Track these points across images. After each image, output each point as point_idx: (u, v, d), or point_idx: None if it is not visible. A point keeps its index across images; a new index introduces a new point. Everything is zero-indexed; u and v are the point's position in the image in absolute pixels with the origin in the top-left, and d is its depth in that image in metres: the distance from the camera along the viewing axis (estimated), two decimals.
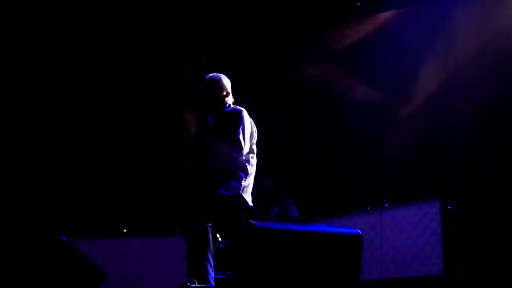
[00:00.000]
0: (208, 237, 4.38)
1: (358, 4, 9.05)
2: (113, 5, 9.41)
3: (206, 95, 4.68)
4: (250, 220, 3.65)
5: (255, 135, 4.71)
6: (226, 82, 4.74)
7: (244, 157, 4.55)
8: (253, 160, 4.68)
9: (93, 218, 9.43)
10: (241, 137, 4.47)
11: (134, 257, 7.92)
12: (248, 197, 4.60)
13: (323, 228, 4.47)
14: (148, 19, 9.76)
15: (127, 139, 10.28)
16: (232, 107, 4.69)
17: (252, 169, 4.64)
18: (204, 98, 4.69)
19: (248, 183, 4.60)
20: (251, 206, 4.63)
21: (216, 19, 9.76)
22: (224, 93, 4.70)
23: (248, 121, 4.61)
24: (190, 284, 4.20)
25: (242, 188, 4.51)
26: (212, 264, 4.36)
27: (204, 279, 4.25)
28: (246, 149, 4.54)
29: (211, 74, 4.77)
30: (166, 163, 10.28)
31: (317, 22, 9.63)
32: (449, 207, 6.31)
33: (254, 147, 4.73)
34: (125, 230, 8.75)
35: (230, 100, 4.74)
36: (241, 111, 4.61)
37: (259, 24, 9.76)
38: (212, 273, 4.33)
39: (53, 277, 4.97)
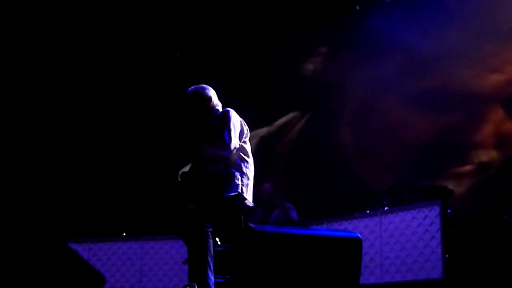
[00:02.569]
0: (209, 242, 4.36)
1: (358, 7, 9.08)
2: (114, 8, 9.42)
3: (194, 107, 4.66)
4: (250, 224, 3.64)
5: (247, 133, 4.67)
6: (210, 91, 4.72)
7: (235, 156, 4.52)
8: (249, 159, 4.64)
9: (92, 222, 9.43)
10: (226, 135, 4.43)
11: (133, 261, 7.91)
12: (249, 197, 4.56)
13: (323, 231, 4.47)
14: (148, 22, 9.77)
15: (126, 143, 10.29)
16: (221, 111, 4.68)
17: (248, 168, 4.59)
18: (192, 110, 4.66)
19: (247, 183, 4.55)
20: (251, 206, 4.60)
21: (216, 23, 9.78)
22: (211, 101, 4.68)
23: (236, 119, 4.58)
24: None
25: (240, 187, 4.48)
26: (212, 269, 4.35)
27: (204, 283, 4.24)
28: (233, 146, 4.47)
29: (193, 87, 4.75)
30: (165, 167, 10.28)
31: (317, 25, 9.64)
32: (449, 210, 6.31)
33: (248, 146, 4.69)
34: (124, 234, 8.74)
35: (218, 106, 4.73)
36: (227, 110, 4.59)
37: (258, 27, 9.78)
38: (212, 278, 4.32)
39: (53, 281, 4.97)
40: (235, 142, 4.49)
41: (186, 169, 4.77)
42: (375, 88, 9.07)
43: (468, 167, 8.28)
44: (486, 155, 8.27)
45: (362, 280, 4.81)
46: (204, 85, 4.77)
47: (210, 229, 4.39)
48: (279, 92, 10.05)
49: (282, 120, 10.13)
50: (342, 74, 9.48)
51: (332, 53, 9.87)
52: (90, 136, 10.19)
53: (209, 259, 4.30)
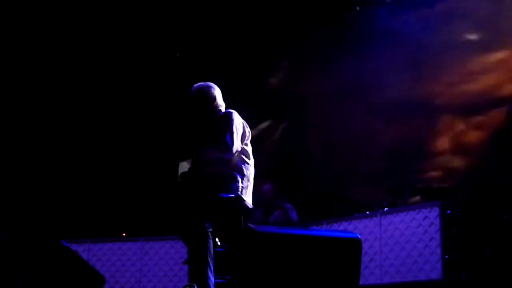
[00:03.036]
0: (209, 242, 4.36)
1: (358, 8, 9.08)
2: (113, 9, 9.42)
3: (197, 106, 4.65)
4: (250, 225, 3.65)
5: (248, 135, 4.67)
6: (215, 90, 4.71)
7: (236, 158, 4.53)
8: (250, 161, 4.64)
9: (92, 222, 9.43)
10: (228, 138, 4.43)
11: (133, 261, 7.91)
12: (248, 199, 4.57)
13: (323, 232, 4.48)
14: (148, 23, 9.77)
15: (126, 144, 10.28)
16: (223, 112, 4.67)
17: (249, 170, 4.60)
18: (195, 108, 4.65)
19: (247, 185, 4.56)
20: (251, 208, 4.60)
21: (215, 24, 9.79)
22: (215, 101, 4.66)
23: (239, 121, 4.57)
24: None
25: (240, 189, 4.49)
26: (212, 269, 4.35)
27: (204, 284, 4.24)
28: (235, 149, 4.47)
29: (199, 84, 4.74)
30: (165, 168, 10.27)
31: (317, 27, 9.66)
32: (448, 211, 6.31)
33: (249, 147, 4.70)
34: (124, 235, 8.75)
35: (221, 106, 4.72)
36: (230, 113, 4.57)
37: (258, 28, 9.79)
38: (212, 279, 4.31)
39: (53, 281, 4.97)
40: (237, 145, 4.48)
41: (186, 169, 4.76)
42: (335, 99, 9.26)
43: (434, 173, 8.49)
44: (450, 162, 8.52)
45: (362, 281, 4.80)
46: (210, 84, 4.73)
47: (210, 229, 4.38)
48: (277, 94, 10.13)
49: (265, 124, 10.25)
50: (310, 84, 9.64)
51: (295, 64, 10.06)
52: (90, 137, 10.20)
53: (209, 259, 4.30)
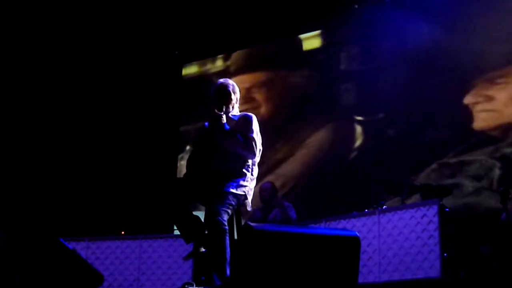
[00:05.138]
0: (226, 238, 4.42)
1: (356, 6, 9.09)
2: (112, 7, 9.42)
3: (216, 98, 4.76)
4: (248, 222, 3.66)
5: (261, 141, 4.82)
6: (236, 90, 4.85)
7: (253, 160, 4.67)
8: (256, 166, 4.79)
9: (91, 220, 9.43)
10: (256, 137, 4.58)
11: (132, 260, 7.91)
12: (250, 200, 4.69)
13: (321, 230, 4.48)
14: (146, 21, 9.78)
15: (126, 141, 10.29)
16: (242, 113, 4.81)
17: (256, 173, 4.75)
18: (214, 101, 4.77)
19: (252, 187, 4.71)
20: (249, 210, 4.74)
21: (215, 21, 9.79)
22: (234, 99, 4.80)
23: (258, 126, 4.74)
24: (188, 286, 4.21)
25: (248, 189, 4.62)
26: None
27: (224, 275, 4.27)
28: (258, 152, 4.65)
29: (223, 79, 4.90)
30: (165, 164, 10.29)
31: (317, 25, 9.67)
32: (447, 209, 6.32)
33: (260, 152, 4.83)
34: (123, 232, 8.74)
35: (237, 106, 4.86)
36: (252, 116, 4.73)
37: (258, 26, 9.80)
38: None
39: (50, 279, 4.97)
40: (259, 149, 4.64)
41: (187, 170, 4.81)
42: None
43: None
44: None
45: (360, 279, 4.80)
46: (233, 82, 4.89)
47: (227, 227, 4.41)
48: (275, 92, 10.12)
49: None
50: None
51: None
52: (87, 135, 10.20)
53: (227, 255, 4.34)
